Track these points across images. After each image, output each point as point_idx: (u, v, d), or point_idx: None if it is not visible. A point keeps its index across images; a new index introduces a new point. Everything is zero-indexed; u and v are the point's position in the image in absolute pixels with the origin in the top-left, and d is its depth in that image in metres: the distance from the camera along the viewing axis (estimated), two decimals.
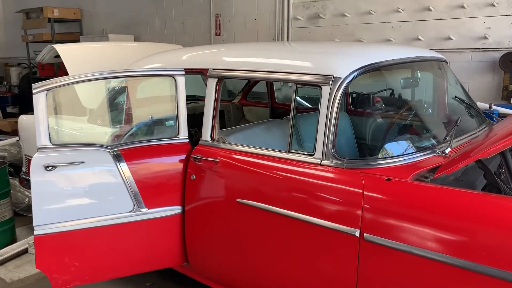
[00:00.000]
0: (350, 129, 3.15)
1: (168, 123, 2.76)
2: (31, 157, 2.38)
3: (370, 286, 1.94)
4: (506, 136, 1.79)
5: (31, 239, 3.79)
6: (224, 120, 4.19)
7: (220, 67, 2.61)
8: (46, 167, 2.34)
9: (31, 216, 2.39)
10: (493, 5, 4.22)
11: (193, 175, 2.57)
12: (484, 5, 4.28)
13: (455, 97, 2.84)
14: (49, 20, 7.91)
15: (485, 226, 1.65)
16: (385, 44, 4.31)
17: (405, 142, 2.39)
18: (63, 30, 8.63)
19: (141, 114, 2.88)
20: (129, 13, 7.59)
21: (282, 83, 4.47)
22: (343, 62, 2.25)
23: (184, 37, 6.81)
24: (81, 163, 2.41)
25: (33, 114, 2.42)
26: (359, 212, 1.93)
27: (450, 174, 2.01)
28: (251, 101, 4.41)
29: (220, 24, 6.38)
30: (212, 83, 2.59)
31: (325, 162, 2.14)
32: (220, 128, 2.65)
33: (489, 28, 4.29)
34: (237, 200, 2.36)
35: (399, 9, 4.76)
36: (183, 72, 2.63)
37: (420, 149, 2.23)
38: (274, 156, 2.32)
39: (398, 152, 2.24)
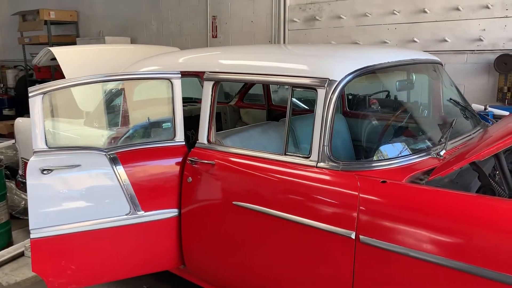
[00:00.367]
0: (346, 131, 3.16)
1: (164, 125, 2.76)
2: (28, 160, 2.38)
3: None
4: (500, 138, 1.81)
5: (27, 242, 3.78)
6: (220, 122, 4.19)
7: (217, 70, 2.61)
8: (42, 170, 2.34)
9: (28, 219, 2.39)
10: (487, 7, 4.25)
11: (190, 177, 2.57)
12: (478, 7, 4.31)
13: (450, 99, 2.85)
14: (46, 22, 7.91)
15: (480, 228, 1.66)
16: (381, 47, 4.33)
17: (401, 144, 2.40)
18: (60, 32, 8.63)
19: (137, 117, 2.88)
20: (125, 15, 7.59)
21: (278, 85, 4.49)
22: (339, 65, 2.26)
23: (180, 39, 6.82)
24: (77, 166, 2.41)
25: (29, 116, 2.42)
26: (355, 214, 1.94)
27: (445, 176, 2.02)
28: (248, 103, 4.42)
29: (216, 26, 6.40)
30: (208, 86, 2.60)
31: (321, 164, 2.15)
32: (217, 131, 2.66)
33: (484, 30, 4.31)
34: (234, 202, 2.37)
35: (395, 11, 4.78)
36: (180, 75, 2.63)
37: (415, 151, 2.24)
38: (270, 159, 2.33)
39: (393, 154, 2.25)
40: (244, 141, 2.63)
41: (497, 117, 3.63)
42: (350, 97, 3.89)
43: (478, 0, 4.30)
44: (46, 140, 2.39)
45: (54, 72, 7.72)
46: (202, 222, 2.55)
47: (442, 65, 3.00)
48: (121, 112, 2.84)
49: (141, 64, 3.08)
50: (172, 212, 2.62)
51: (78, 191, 2.44)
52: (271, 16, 5.75)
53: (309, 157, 2.19)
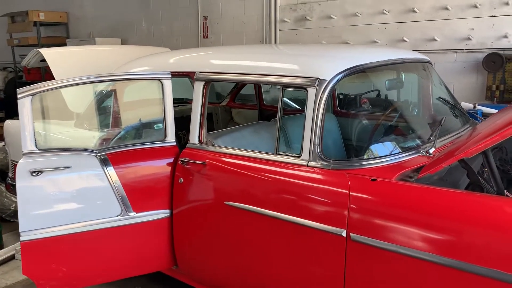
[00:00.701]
0: (337, 130, 3.18)
1: (155, 126, 2.76)
2: (17, 162, 2.36)
3: (357, 285, 1.96)
4: (488, 136, 1.83)
5: (18, 245, 3.76)
6: (212, 122, 4.19)
7: (207, 70, 2.61)
8: (32, 172, 2.33)
9: (18, 222, 2.37)
10: (476, 6, 4.29)
11: (181, 178, 2.57)
12: (467, 7, 4.36)
13: (439, 97, 2.88)
14: (35, 23, 7.84)
15: (469, 224, 1.68)
16: (370, 46, 4.36)
17: (390, 143, 2.42)
18: (50, 33, 8.56)
19: (128, 118, 2.87)
20: (116, 16, 7.56)
21: (270, 85, 4.50)
22: (328, 65, 2.27)
23: (171, 40, 6.81)
24: (68, 168, 2.40)
25: (19, 118, 2.40)
26: (346, 212, 1.95)
27: (434, 174, 2.04)
28: (239, 104, 4.42)
29: (207, 26, 6.39)
30: (199, 86, 2.60)
31: (312, 163, 2.16)
32: (209, 131, 2.66)
33: (473, 29, 4.36)
34: (225, 202, 2.37)
35: (385, 11, 4.81)
36: (170, 75, 2.63)
37: (405, 150, 2.26)
38: (261, 158, 2.33)
39: (383, 153, 2.26)
40: (235, 141, 2.64)
41: (486, 115, 3.67)
42: (341, 96, 3.91)
43: (466, 0, 4.34)
44: (35, 142, 2.38)
45: (44, 73, 7.66)
46: (194, 222, 2.55)
47: (431, 64, 3.03)
48: (111, 113, 2.83)
49: (132, 64, 3.07)
50: (163, 213, 2.61)
51: (68, 193, 2.43)
52: (262, 16, 5.77)
53: (300, 156, 2.20)
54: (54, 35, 8.49)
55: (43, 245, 2.38)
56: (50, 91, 2.42)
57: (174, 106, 2.67)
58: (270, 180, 2.25)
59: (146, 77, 2.67)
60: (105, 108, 2.89)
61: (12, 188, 3.97)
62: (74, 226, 2.42)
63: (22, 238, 2.34)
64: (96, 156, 2.46)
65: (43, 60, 3.70)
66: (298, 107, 3.87)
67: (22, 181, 2.33)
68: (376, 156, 2.22)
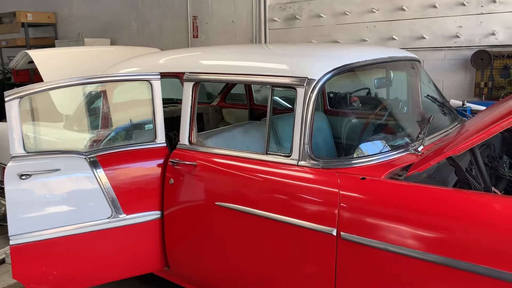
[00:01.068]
0: (327, 129, 3.19)
1: (145, 127, 2.75)
2: (6, 165, 2.34)
3: (348, 284, 1.98)
4: (475, 133, 1.85)
5: (8, 249, 3.72)
6: (203, 122, 4.19)
7: (197, 70, 2.61)
8: (21, 175, 2.31)
9: (7, 226, 2.35)
10: (463, 4, 4.33)
11: (172, 179, 2.56)
12: (455, 4, 4.39)
13: (428, 95, 2.90)
14: (23, 24, 7.77)
15: (457, 221, 1.70)
16: (359, 45, 4.38)
17: (380, 141, 2.43)
18: (38, 34, 8.49)
19: (117, 119, 2.86)
20: (105, 17, 7.51)
21: (260, 85, 4.50)
22: (317, 64, 2.28)
23: (161, 40, 6.78)
24: (57, 171, 2.38)
25: (5, 121, 2.38)
26: (336, 211, 1.96)
27: (423, 172, 2.06)
28: (230, 103, 4.42)
29: (197, 26, 6.38)
30: (188, 87, 2.59)
31: (301, 162, 2.16)
32: (199, 131, 2.66)
33: (461, 27, 4.40)
34: (216, 203, 2.37)
35: (374, 9, 4.84)
36: (159, 76, 2.62)
37: (394, 148, 2.27)
38: (252, 158, 2.34)
39: (373, 151, 2.28)
40: (226, 141, 2.64)
41: (475, 112, 3.71)
42: (331, 95, 3.93)
43: None
44: (24, 145, 2.36)
45: (32, 75, 7.59)
46: (185, 223, 2.55)
47: (419, 62, 3.05)
48: (101, 114, 2.82)
49: (121, 65, 3.05)
50: (154, 215, 2.60)
51: (58, 196, 2.41)
52: (252, 15, 5.76)
53: (290, 155, 2.20)
54: (43, 36, 8.43)
55: (33, 248, 2.36)
56: (38, 94, 2.40)
57: (164, 107, 2.66)
58: (260, 180, 2.25)
59: (135, 78, 2.66)
60: (94, 109, 2.88)
61: (1, 192, 3.94)
62: (64, 229, 2.41)
63: (11, 242, 2.33)
64: (85, 158, 2.45)
65: (31, 62, 3.67)
66: (289, 105, 3.89)
67: (11, 185, 2.31)
68: (365, 155, 2.24)
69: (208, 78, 2.58)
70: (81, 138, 2.76)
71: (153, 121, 2.62)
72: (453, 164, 2.05)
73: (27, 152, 2.37)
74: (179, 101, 4.16)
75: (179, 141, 2.64)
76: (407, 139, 2.40)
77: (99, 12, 7.58)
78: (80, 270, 2.52)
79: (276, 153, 2.28)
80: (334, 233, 1.96)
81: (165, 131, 2.67)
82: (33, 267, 2.41)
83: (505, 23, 4.19)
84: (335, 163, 2.15)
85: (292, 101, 2.62)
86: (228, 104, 4.42)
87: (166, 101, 2.69)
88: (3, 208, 4.33)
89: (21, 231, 2.33)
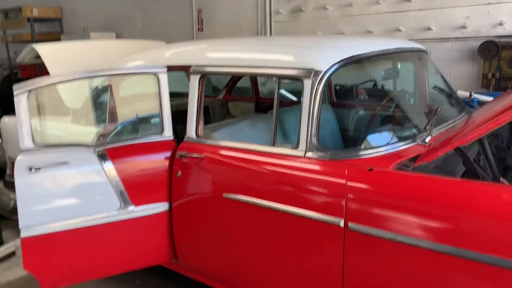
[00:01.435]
0: (334, 121, 3.19)
1: (152, 121, 2.76)
2: (15, 159, 2.37)
3: (356, 274, 1.99)
4: (483, 124, 1.84)
5: (18, 242, 3.77)
6: (209, 116, 4.19)
7: (203, 63, 2.61)
8: (30, 168, 2.33)
9: (17, 219, 2.37)
10: None
11: (179, 172, 2.58)
12: None
13: (435, 86, 2.89)
14: (29, 19, 7.78)
15: (465, 211, 1.70)
16: (366, 37, 4.35)
17: (387, 133, 2.43)
18: (44, 29, 8.50)
19: (125, 113, 2.87)
20: (110, 11, 7.51)
21: (266, 77, 4.49)
22: (324, 56, 2.28)
23: (166, 33, 6.77)
24: (66, 164, 2.40)
25: (14, 115, 2.40)
26: (343, 202, 1.97)
27: (431, 162, 2.05)
28: (236, 96, 4.42)
29: (202, 19, 6.36)
30: (195, 80, 2.60)
31: (309, 154, 2.17)
32: (205, 124, 2.66)
33: (468, 17, 4.35)
34: (224, 195, 2.38)
35: (379, 1, 4.80)
36: (166, 70, 2.63)
37: (401, 139, 2.27)
38: (259, 150, 2.34)
39: (380, 143, 2.27)
40: (232, 134, 2.65)
41: (482, 103, 3.68)
42: (337, 87, 3.92)
43: None
44: (33, 139, 2.38)
45: (39, 70, 7.61)
46: (193, 215, 2.57)
47: (426, 53, 3.04)
48: (108, 108, 2.83)
49: (127, 59, 3.06)
50: (162, 207, 2.62)
51: (67, 189, 2.44)
52: (257, 8, 5.74)
53: (297, 147, 2.21)
54: (48, 30, 8.44)
55: (43, 240, 2.39)
56: (46, 87, 2.42)
57: (170, 101, 2.67)
58: (267, 172, 2.26)
59: (141, 71, 2.67)
60: (101, 103, 2.89)
61: (10, 185, 3.98)
62: (73, 221, 2.43)
63: (22, 234, 2.35)
64: (93, 151, 2.47)
65: (38, 57, 3.69)
66: (294, 98, 3.88)
67: (21, 178, 2.33)
68: (372, 146, 2.24)
69: (214, 70, 2.59)
70: (89, 132, 2.78)
71: (160, 115, 2.63)
72: (461, 154, 2.05)
73: (36, 146, 2.39)
74: (185, 95, 4.16)
75: (186, 134, 2.65)
76: (414, 130, 2.40)
77: (104, 6, 7.58)
78: (90, 262, 2.55)
79: (283, 145, 2.29)
80: (342, 224, 1.97)
81: (172, 124, 2.68)
82: (43, 259, 2.44)
83: None
84: (342, 155, 2.15)
85: (298, 94, 2.62)
86: (233, 97, 4.42)
87: (172, 95, 2.70)
88: (12, 202, 4.37)
89: (31, 223, 2.36)
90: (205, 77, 2.59)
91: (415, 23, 4.65)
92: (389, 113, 2.79)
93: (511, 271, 1.59)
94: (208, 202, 2.49)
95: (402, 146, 2.19)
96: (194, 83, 2.60)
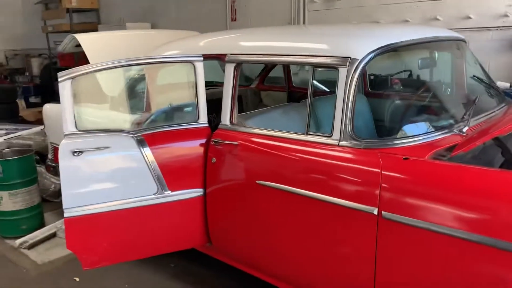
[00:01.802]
0: (368, 111, 3.16)
1: (188, 108, 2.82)
2: (57, 144, 2.48)
3: (388, 262, 1.99)
4: None
5: (59, 223, 3.95)
6: (242, 105, 4.23)
7: (238, 52, 2.65)
8: (73, 152, 2.44)
9: (58, 202, 2.49)
10: None
11: (214, 158, 2.63)
12: None
13: (474, 76, 2.82)
14: (68, 10, 8.03)
15: (503, 202, 1.67)
16: (402, 25, 4.27)
17: (423, 123, 2.40)
18: (82, 19, 8.75)
19: (161, 101, 2.95)
20: (145, 1, 7.64)
21: (299, 67, 4.48)
22: (360, 44, 2.26)
23: (200, 23, 6.82)
24: (107, 148, 2.50)
25: (56, 102, 2.50)
26: (377, 191, 1.97)
27: (468, 152, 2.02)
28: (268, 86, 4.44)
29: (235, 9, 6.39)
30: (230, 68, 2.64)
31: (343, 143, 2.17)
32: (239, 113, 2.70)
33: (510, 5, 4.19)
34: (257, 181, 2.42)
35: None
36: (202, 58, 2.68)
37: (437, 129, 2.24)
38: (292, 138, 2.36)
39: (415, 132, 2.25)
40: (265, 122, 2.67)
41: None
42: (371, 77, 3.87)
43: None
44: (75, 123, 2.48)
45: (77, 59, 7.85)
46: (226, 201, 2.62)
47: (465, 42, 2.96)
48: (145, 96, 2.91)
49: (163, 48, 3.13)
50: (197, 192, 2.69)
51: (107, 172, 2.54)
52: None
53: (331, 135, 2.21)
54: (86, 21, 8.67)
55: (84, 221, 2.50)
56: (88, 75, 2.51)
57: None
58: (301, 160, 2.28)
59: (178, 60, 2.73)
60: (138, 91, 2.97)
61: (52, 170, 4.16)
62: (113, 203, 2.53)
63: (65, 215, 2.47)
64: (133, 137, 2.55)
65: (78, 45, 3.82)
66: (326, 89, 3.86)
67: (65, 161, 2.44)
68: (408, 136, 2.22)
69: (249, 59, 2.61)
70: (127, 118, 2.87)
71: (196, 102, 2.69)
72: (500, 144, 2.01)
73: (79, 130, 2.49)
74: (218, 84, 4.21)
75: (220, 122, 2.70)
76: (451, 120, 2.35)
77: None
78: (127, 243, 2.65)
79: (317, 133, 2.30)
80: (376, 212, 1.97)
81: None
82: (84, 239, 2.55)
83: None
84: (377, 143, 2.14)
85: (331, 84, 2.61)
86: (266, 86, 4.44)
87: (205, 84, 2.74)
88: (53, 186, 4.57)
89: (74, 204, 2.47)
90: (240, 65, 2.63)
91: (454, 12, 4.52)
92: (425, 103, 2.74)
93: None
94: (241, 188, 2.53)
95: (438, 135, 2.17)
96: (229, 71, 2.64)
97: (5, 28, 10.04)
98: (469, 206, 1.74)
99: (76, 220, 2.49)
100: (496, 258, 1.68)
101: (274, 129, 2.49)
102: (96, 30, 7.94)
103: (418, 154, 2.01)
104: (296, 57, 2.43)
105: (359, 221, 2.04)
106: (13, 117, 6.93)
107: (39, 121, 5.67)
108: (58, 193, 4.29)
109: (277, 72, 4.41)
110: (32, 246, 3.73)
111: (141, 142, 2.55)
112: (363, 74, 3.48)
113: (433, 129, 2.25)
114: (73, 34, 3.80)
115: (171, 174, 2.61)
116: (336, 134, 2.19)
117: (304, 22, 5.63)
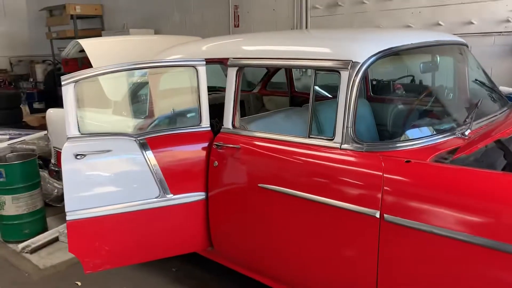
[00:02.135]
0: (370, 115, 3.16)
1: (190, 112, 2.83)
2: (60, 149, 2.49)
3: (390, 265, 1.98)
4: None
5: (61, 228, 3.95)
6: (244, 110, 4.24)
7: (240, 56, 2.66)
8: (76, 155, 2.45)
9: (61, 207, 2.50)
10: None
11: (216, 161, 2.64)
12: None
13: (476, 80, 2.82)
14: (72, 16, 8.09)
15: (505, 205, 1.67)
16: (404, 29, 4.28)
17: (425, 126, 2.40)
18: (86, 26, 8.81)
19: (164, 104, 2.96)
20: (148, 8, 7.70)
21: (301, 72, 4.50)
22: (362, 47, 2.27)
23: (203, 30, 6.87)
24: (109, 151, 2.51)
25: (60, 107, 2.52)
26: (379, 194, 1.97)
27: (470, 155, 2.02)
28: (271, 91, 4.45)
29: (238, 15, 6.42)
30: (232, 72, 2.65)
31: (345, 146, 2.17)
32: (241, 117, 2.71)
33: None
34: (259, 185, 2.42)
35: None
36: (204, 62, 2.69)
37: (439, 132, 2.24)
38: (294, 142, 2.37)
39: (417, 136, 2.25)
40: (267, 126, 2.68)
41: None
42: (374, 82, 3.88)
43: None
44: (78, 127, 2.49)
45: (81, 65, 7.90)
46: (229, 204, 2.62)
47: (467, 46, 2.96)
48: (148, 100, 2.93)
49: (166, 53, 3.15)
50: (199, 195, 2.69)
51: (109, 175, 2.54)
52: (293, 3, 5.74)
53: (333, 139, 2.22)
54: (90, 27, 8.73)
55: (87, 224, 2.51)
56: (91, 78, 2.53)
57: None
58: (303, 163, 2.28)
59: (181, 64, 2.74)
60: (142, 95, 2.99)
61: (55, 174, 4.17)
62: (115, 207, 2.53)
63: (68, 218, 2.47)
64: (135, 140, 2.56)
65: (82, 51, 3.85)
66: (328, 94, 3.87)
67: (67, 164, 2.45)
68: (410, 139, 2.22)
69: (251, 63, 2.63)
70: (130, 122, 2.89)
71: (199, 106, 2.70)
72: (502, 147, 2.00)
73: (82, 134, 2.50)
74: (220, 89, 4.23)
75: (222, 125, 2.70)
76: (453, 124, 2.36)
77: (143, 3, 7.77)
78: (129, 247, 2.65)
79: (318, 137, 2.30)
80: (378, 215, 1.97)
81: None
82: (87, 242, 2.55)
83: None
84: (379, 146, 2.15)
85: (333, 89, 2.62)
86: (268, 91, 4.45)
87: (207, 89, 2.75)
88: (55, 190, 4.58)
89: (76, 207, 2.47)
90: (242, 69, 2.64)
91: (456, 17, 4.53)
92: (427, 107, 2.74)
93: None
94: (244, 192, 2.53)
95: (440, 138, 2.17)
96: (231, 75, 2.65)
97: (10, 34, 10.12)
98: (472, 208, 1.74)
99: (79, 223, 2.49)
100: (499, 261, 1.67)
101: (276, 132, 2.50)
102: (100, 36, 7.98)
103: (420, 157, 2.01)
104: (298, 60, 2.44)
105: (361, 224, 2.04)
106: (17, 123, 6.96)
107: (43, 127, 5.70)
108: (61, 198, 4.30)
109: (279, 78, 4.42)
110: (34, 250, 3.73)
111: (143, 146, 2.55)
112: (365, 79, 3.49)
113: (435, 132, 2.24)
114: (77, 40, 3.83)
115: (173, 178, 2.61)
116: (338, 137, 2.19)
117: (306, 28, 5.66)
